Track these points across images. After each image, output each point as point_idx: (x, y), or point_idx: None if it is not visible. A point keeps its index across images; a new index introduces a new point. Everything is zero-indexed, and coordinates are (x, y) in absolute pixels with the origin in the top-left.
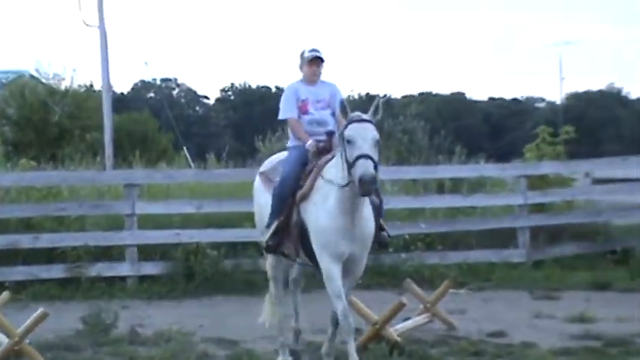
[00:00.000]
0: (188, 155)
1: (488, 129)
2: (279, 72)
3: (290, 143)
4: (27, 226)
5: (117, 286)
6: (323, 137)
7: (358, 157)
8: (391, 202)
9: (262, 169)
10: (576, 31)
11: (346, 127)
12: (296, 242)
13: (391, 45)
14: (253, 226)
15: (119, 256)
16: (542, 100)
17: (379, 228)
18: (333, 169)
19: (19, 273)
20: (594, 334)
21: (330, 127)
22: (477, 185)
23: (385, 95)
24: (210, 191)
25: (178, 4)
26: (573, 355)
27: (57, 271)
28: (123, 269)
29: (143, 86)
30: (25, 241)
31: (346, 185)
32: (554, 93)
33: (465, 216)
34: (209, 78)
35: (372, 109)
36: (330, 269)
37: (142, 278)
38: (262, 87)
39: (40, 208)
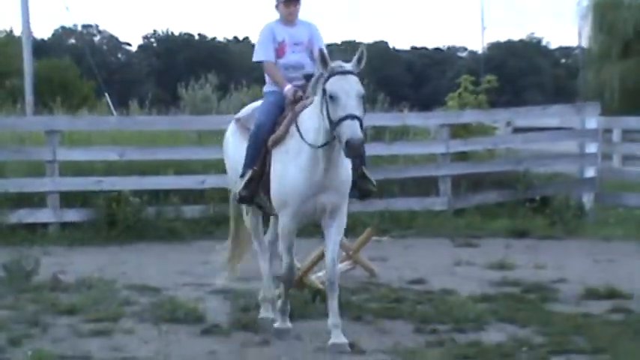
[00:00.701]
0: (110, 102)
1: (411, 78)
2: (201, 19)
3: (266, 88)
4: None
5: (38, 233)
6: (301, 82)
7: (344, 118)
8: None
9: (239, 115)
10: None
11: (327, 80)
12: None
13: None
14: (176, 173)
15: (40, 202)
16: (465, 49)
17: (362, 176)
18: (309, 122)
19: None
20: (513, 280)
21: (308, 70)
22: (400, 134)
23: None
24: (133, 138)
25: None
26: (492, 301)
27: None
28: (44, 216)
29: (64, 32)
30: None
31: (323, 146)
32: (476, 42)
33: (387, 164)
34: (131, 25)
35: (354, 58)
36: (289, 227)
37: (64, 225)
38: (185, 34)
39: None
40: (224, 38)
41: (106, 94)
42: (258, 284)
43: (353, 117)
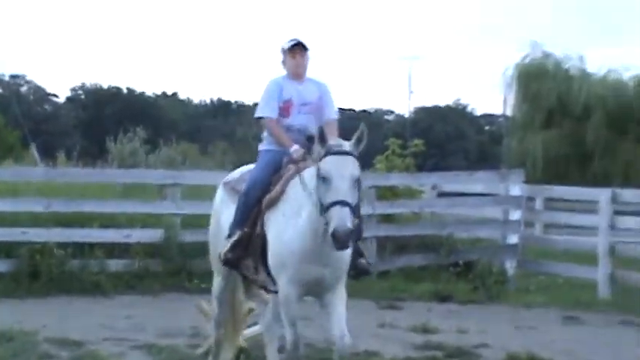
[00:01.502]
0: (36, 153)
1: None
2: (130, 73)
3: (262, 147)
4: None
5: None
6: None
7: (334, 204)
8: None
9: (228, 179)
10: (424, 46)
11: (322, 158)
12: (257, 258)
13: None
14: (101, 226)
15: None
16: (392, 112)
17: (357, 253)
18: (312, 180)
19: None
20: (436, 344)
21: (311, 132)
22: None
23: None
24: (60, 190)
25: None
26: None
27: None
28: None
29: None
30: None
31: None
32: (403, 106)
33: None
34: (59, 76)
35: (354, 138)
36: (289, 293)
37: None
38: (113, 87)
39: None
40: (153, 93)
41: (33, 144)
42: (181, 340)
43: (344, 204)
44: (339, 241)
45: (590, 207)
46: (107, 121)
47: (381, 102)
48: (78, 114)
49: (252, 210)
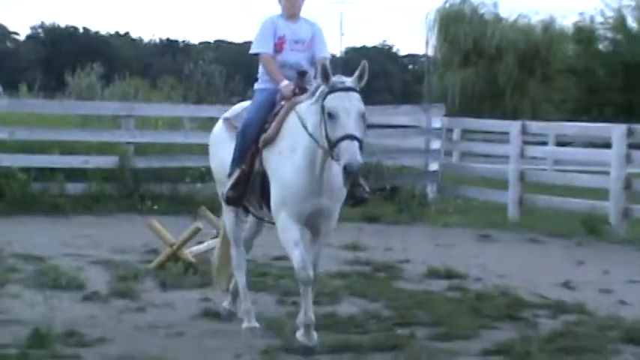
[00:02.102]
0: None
1: None
2: (85, 12)
3: (257, 85)
4: None
5: None
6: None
7: (343, 138)
8: (191, 138)
9: (227, 115)
10: None
11: (326, 96)
12: (258, 194)
13: None
14: (61, 152)
15: None
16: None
17: (356, 184)
18: (311, 117)
19: None
20: (365, 260)
21: (304, 68)
22: None
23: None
24: (22, 120)
25: None
26: (346, 278)
27: None
28: None
29: None
30: None
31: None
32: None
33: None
34: (19, 15)
35: (356, 73)
36: (287, 225)
37: None
38: (70, 26)
39: None
40: (107, 32)
41: None
42: (134, 256)
43: (352, 137)
44: (351, 174)
45: (502, 138)
46: (65, 57)
47: None
48: (38, 50)
49: (250, 149)
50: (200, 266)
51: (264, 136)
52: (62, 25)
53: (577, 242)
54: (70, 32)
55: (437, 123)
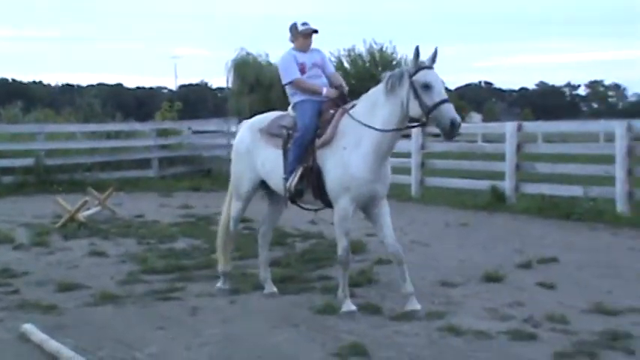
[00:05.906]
0: None
1: (137, 103)
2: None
3: (297, 99)
4: None
5: None
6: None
7: (442, 102)
8: (82, 144)
9: (259, 126)
10: (182, 45)
11: (417, 72)
12: (315, 186)
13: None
14: None
15: None
16: (165, 88)
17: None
18: (368, 115)
19: None
20: (192, 214)
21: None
22: (131, 134)
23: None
24: None
25: None
26: (180, 225)
27: None
28: None
29: None
30: None
31: (392, 131)
32: (172, 84)
33: (122, 152)
34: None
35: (431, 56)
36: (348, 210)
37: None
38: (3, 79)
39: None
40: (27, 80)
41: None
42: (47, 220)
43: (448, 101)
44: (455, 128)
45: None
46: None
47: (155, 82)
48: None
49: (307, 150)
50: (89, 224)
51: (322, 139)
52: None
53: None
54: (3, 82)
55: (233, 128)
